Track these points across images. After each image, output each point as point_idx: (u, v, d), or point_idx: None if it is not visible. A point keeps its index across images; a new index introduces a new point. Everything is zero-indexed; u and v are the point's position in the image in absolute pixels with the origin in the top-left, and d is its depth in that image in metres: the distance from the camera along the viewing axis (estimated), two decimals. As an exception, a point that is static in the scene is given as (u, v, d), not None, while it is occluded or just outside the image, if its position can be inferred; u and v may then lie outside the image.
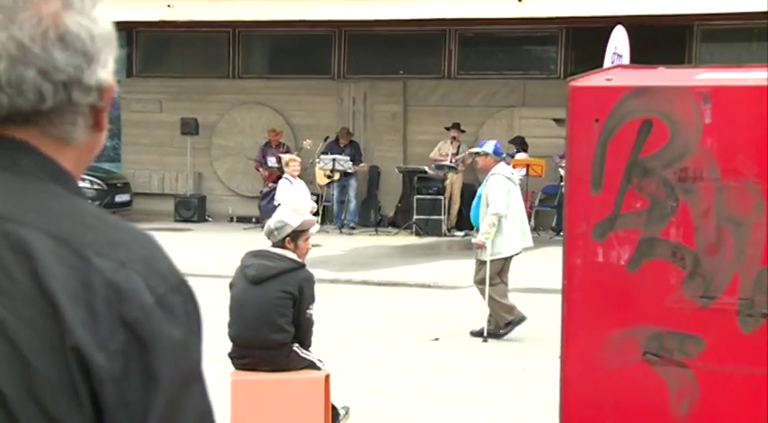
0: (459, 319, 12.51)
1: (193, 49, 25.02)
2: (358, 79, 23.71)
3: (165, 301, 1.50)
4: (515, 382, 9.96)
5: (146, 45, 25.21)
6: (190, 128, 23.26)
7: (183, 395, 1.51)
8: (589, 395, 4.19)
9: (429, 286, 15.45)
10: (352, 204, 22.49)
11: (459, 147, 21.65)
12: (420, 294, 14.99)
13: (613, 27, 11.98)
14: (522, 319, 11.85)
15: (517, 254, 12.06)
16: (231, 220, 23.62)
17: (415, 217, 21.40)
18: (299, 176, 15.44)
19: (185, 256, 14.66)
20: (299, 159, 15.72)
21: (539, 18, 20.65)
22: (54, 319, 1.45)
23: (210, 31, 23.98)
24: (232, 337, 7.48)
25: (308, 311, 7.46)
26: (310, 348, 7.60)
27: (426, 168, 21.68)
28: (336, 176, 21.75)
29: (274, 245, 7.64)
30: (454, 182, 21.94)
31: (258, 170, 23.23)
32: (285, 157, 16.07)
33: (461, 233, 20.81)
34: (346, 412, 8.23)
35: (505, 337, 11.80)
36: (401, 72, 23.37)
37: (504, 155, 21.10)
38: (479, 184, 13.17)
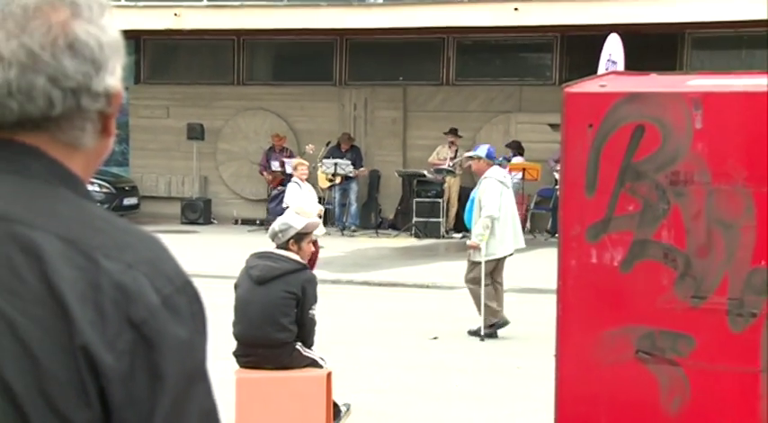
0: (457, 318, 12.50)
1: (199, 56, 25.03)
2: (359, 85, 23.71)
3: (171, 301, 1.50)
4: (512, 379, 9.95)
5: (153, 53, 25.21)
6: (196, 133, 23.27)
7: (189, 393, 1.51)
8: (583, 392, 4.19)
9: (428, 287, 15.44)
10: (354, 207, 22.50)
11: (456, 151, 21.65)
12: (419, 294, 14.99)
13: (607, 35, 11.98)
14: (505, 322, 11.85)
15: (510, 255, 12.05)
16: (236, 222, 23.62)
17: (414, 219, 21.40)
18: (306, 180, 15.41)
19: (191, 257, 14.65)
20: (306, 163, 15.69)
21: (534, 26, 20.67)
22: (63, 319, 1.45)
23: (216, 40, 23.99)
24: (237, 335, 7.48)
25: (310, 311, 7.46)
26: (312, 347, 7.60)
27: (425, 172, 21.68)
28: (338, 180, 21.76)
29: (278, 247, 7.64)
30: (452, 185, 21.94)
31: (262, 174, 23.23)
32: (294, 161, 16.04)
33: (459, 235, 20.80)
34: (347, 409, 8.22)
35: (502, 337, 11.79)
36: (401, 78, 23.37)
37: (501, 159, 21.26)
38: (477, 188, 13.16)
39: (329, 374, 7.67)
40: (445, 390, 9.56)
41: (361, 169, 22.39)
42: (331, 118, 23.67)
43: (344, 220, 22.15)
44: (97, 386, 1.45)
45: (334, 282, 14.98)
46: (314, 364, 7.55)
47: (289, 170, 22.52)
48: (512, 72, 23.31)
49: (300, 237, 7.65)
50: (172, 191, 24.75)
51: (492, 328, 11.80)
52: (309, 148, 21.79)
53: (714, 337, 3.97)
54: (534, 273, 14.94)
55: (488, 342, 11.63)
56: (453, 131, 21.86)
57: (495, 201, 11.71)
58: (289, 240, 7.61)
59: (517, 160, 21.41)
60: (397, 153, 23.55)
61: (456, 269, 15.10)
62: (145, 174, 24.79)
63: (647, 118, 4.00)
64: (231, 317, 7.51)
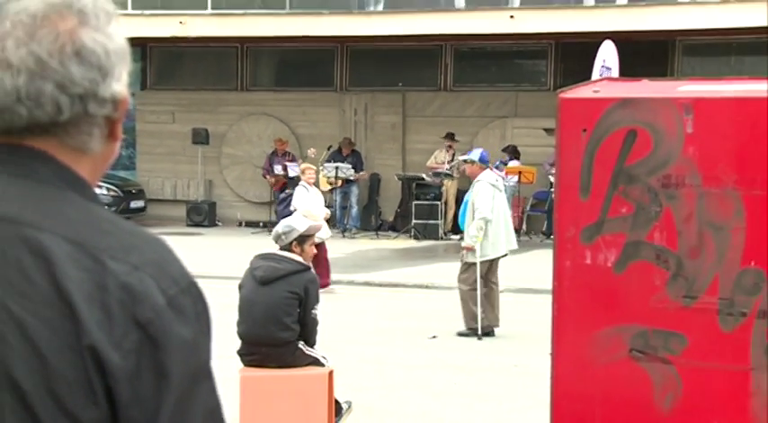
0: (455, 317, 12.48)
1: (204, 63, 25.04)
2: (359, 91, 23.72)
3: (176, 302, 1.50)
4: (509, 377, 9.95)
5: (159, 60, 25.22)
6: (201, 138, 23.28)
7: (193, 391, 1.51)
8: (578, 390, 4.19)
9: (427, 287, 15.44)
10: (354, 210, 22.51)
11: (453, 155, 21.65)
12: (419, 295, 14.99)
13: (600, 42, 11.97)
14: (475, 332, 11.83)
15: (503, 256, 12.03)
16: (240, 224, 23.63)
17: (413, 221, 21.40)
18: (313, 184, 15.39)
19: (196, 259, 14.64)
20: (314, 168, 15.70)
21: (530, 34, 20.68)
22: (71, 319, 1.45)
23: (220, 47, 24.01)
24: (241, 334, 7.48)
25: (313, 311, 7.46)
26: (315, 346, 7.60)
27: (424, 175, 21.69)
28: (339, 183, 21.76)
29: (282, 248, 7.64)
30: (450, 188, 21.94)
31: (265, 177, 23.23)
32: (302, 165, 16.03)
33: (457, 237, 20.76)
34: (349, 406, 8.22)
35: (499, 336, 11.79)
36: (400, 84, 23.38)
37: (498, 163, 21.30)
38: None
39: (331, 372, 7.66)
40: (444, 387, 9.55)
41: (362, 173, 22.40)
42: (332, 123, 23.68)
43: (345, 222, 22.14)
44: (104, 385, 1.45)
45: (335, 282, 14.97)
46: (316, 362, 7.55)
47: (291, 174, 22.61)
48: (508, 78, 23.32)
49: (303, 239, 7.66)
50: (177, 194, 24.76)
51: (471, 331, 11.80)
52: (311, 152, 21.79)
53: (705, 336, 3.96)
54: (530, 273, 14.95)
55: (486, 341, 11.63)
56: (450, 136, 21.87)
57: (488, 203, 11.72)
58: (292, 242, 7.61)
59: (513, 164, 21.43)
60: (397, 157, 23.56)
61: (454, 270, 15.06)
62: (151, 177, 24.80)
63: (639, 123, 4.00)
64: (235, 316, 7.50)
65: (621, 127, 4.03)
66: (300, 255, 7.61)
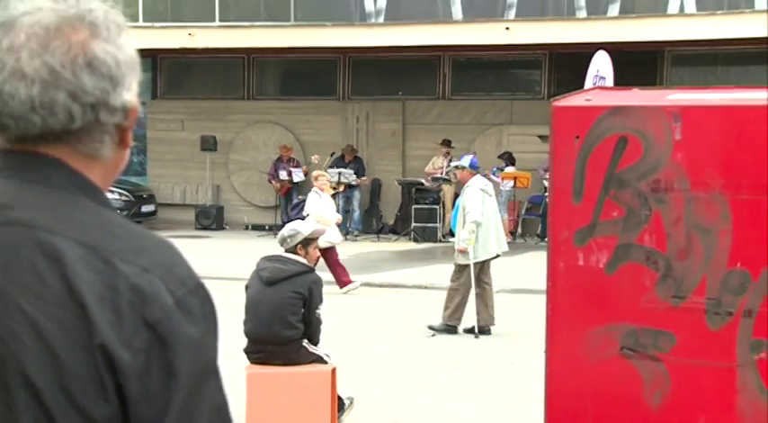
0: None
1: (212, 73, 25.04)
2: (361, 100, 23.72)
3: (184, 302, 1.50)
4: (504, 374, 9.94)
5: (169, 70, 25.23)
6: (209, 144, 23.28)
7: (201, 389, 1.50)
8: (571, 386, 4.18)
9: (426, 287, 15.42)
10: (356, 213, 22.50)
11: (450, 161, 21.64)
12: (418, 295, 14.98)
13: (592, 53, 11.95)
14: (452, 330, 11.85)
15: (494, 258, 12.02)
16: (246, 228, 23.61)
17: (413, 225, 21.40)
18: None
19: (205, 261, 14.66)
20: (326, 175, 15.69)
21: (524, 44, 20.68)
22: (83, 319, 1.45)
23: (228, 57, 24.01)
24: (247, 333, 7.48)
25: (317, 311, 7.46)
26: (318, 344, 7.60)
27: (423, 181, 21.69)
28: (342, 188, 21.75)
29: (287, 251, 7.65)
30: (447, 193, 21.93)
31: (271, 182, 23.24)
32: (314, 172, 16.01)
33: (455, 239, 20.78)
34: (351, 402, 8.21)
35: (495, 334, 11.78)
36: (400, 93, 23.38)
37: (495, 169, 21.30)
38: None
39: (334, 370, 7.66)
40: (442, 384, 9.55)
41: (363, 178, 22.40)
42: (335, 130, 23.68)
43: (348, 225, 22.13)
44: (115, 382, 1.45)
45: (336, 283, 14.96)
46: (319, 360, 7.54)
47: (296, 179, 22.63)
48: (503, 87, 23.32)
49: (307, 242, 7.67)
50: (186, 199, 24.76)
51: (447, 328, 11.82)
52: (315, 158, 21.80)
53: (693, 335, 3.96)
54: (525, 274, 14.94)
55: (482, 339, 11.62)
56: (447, 143, 21.86)
57: (479, 207, 11.73)
58: (297, 245, 7.62)
59: (509, 169, 21.43)
60: (397, 163, 23.56)
61: (452, 271, 15.10)
62: (161, 183, 24.79)
63: (629, 130, 4.00)
64: (242, 316, 7.50)
65: (613, 134, 4.02)
66: (305, 257, 7.62)
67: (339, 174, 21.42)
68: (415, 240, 21.15)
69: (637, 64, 20.45)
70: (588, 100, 4.26)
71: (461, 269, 11.87)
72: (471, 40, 20.62)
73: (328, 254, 14.32)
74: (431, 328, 11.92)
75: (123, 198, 22.15)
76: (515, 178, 21.18)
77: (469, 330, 11.81)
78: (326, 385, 7.55)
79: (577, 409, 4.17)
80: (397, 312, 13.42)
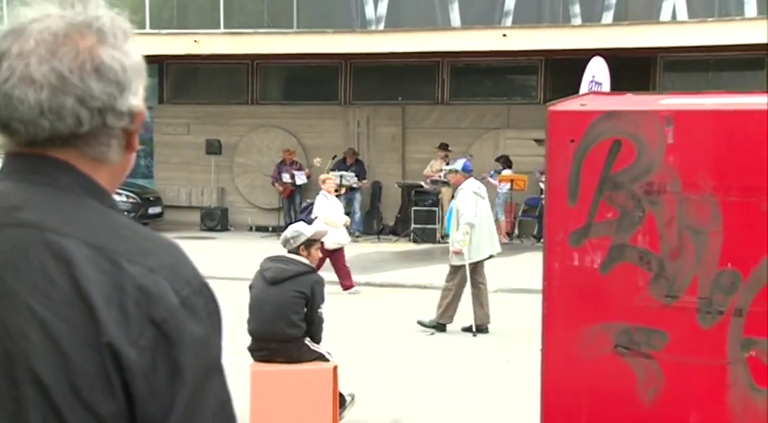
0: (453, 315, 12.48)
1: (217, 78, 25.04)
2: (362, 105, 23.72)
3: (188, 302, 1.50)
4: (502, 371, 9.94)
5: (175, 75, 25.23)
6: (214, 148, 23.28)
7: (205, 386, 1.50)
8: (567, 383, 4.18)
9: (425, 287, 15.41)
10: (357, 215, 22.49)
11: (447, 164, 21.63)
12: (417, 294, 14.97)
13: (587, 59, 11.94)
14: (442, 328, 11.85)
15: (487, 258, 12.01)
16: (250, 229, 23.60)
17: (412, 226, 21.39)
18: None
19: (210, 261, 14.66)
20: (334, 178, 15.68)
21: (521, 51, 20.68)
22: (90, 318, 1.45)
23: (232, 63, 24.01)
24: (251, 331, 7.47)
25: (319, 310, 7.46)
26: (320, 342, 7.59)
27: (422, 183, 21.68)
28: (343, 191, 21.73)
29: (290, 252, 7.65)
30: (446, 195, 21.90)
31: (274, 185, 23.24)
32: (322, 175, 16.00)
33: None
34: (352, 399, 8.21)
35: (492, 332, 11.78)
36: (400, 98, 23.37)
37: (492, 171, 21.29)
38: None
39: (335, 367, 7.66)
40: (441, 380, 9.54)
41: (364, 181, 22.39)
42: (336, 134, 23.68)
43: (349, 227, 22.11)
44: (121, 380, 1.45)
45: (339, 283, 14.95)
46: (321, 357, 7.54)
47: (299, 182, 22.63)
48: (500, 92, 23.32)
49: (310, 243, 7.67)
50: (192, 201, 24.76)
51: (437, 327, 11.82)
52: (317, 161, 21.80)
53: (685, 333, 3.96)
54: (522, 274, 14.94)
55: (480, 337, 11.62)
56: (444, 146, 21.86)
57: (472, 209, 11.75)
58: (299, 246, 7.62)
59: (506, 172, 21.42)
60: (397, 166, 23.55)
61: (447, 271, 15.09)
62: (168, 185, 24.80)
63: (623, 134, 4.00)
64: (246, 315, 7.50)
65: (607, 137, 4.03)
66: (307, 258, 7.62)
67: (341, 176, 21.40)
68: (415, 241, 21.14)
69: (630, 70, 20.44)
70: (583, 105, 4.26)
71: (456, 270, 11.89)
72: (469, 46, 20.62)
73: (336, 256, 14.35)
74: (420, 323, 11.93)
75: (131, 200, 22.14)
76: (512, 181, 21.17)
77: (467, 329, 11.80)
78: (328, 382, 7.54)
79: (572, 405, 4.16)
80: (397, 311, 13.42)
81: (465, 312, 11.97)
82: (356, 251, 19.58)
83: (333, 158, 22.18)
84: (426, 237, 21.16)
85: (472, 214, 11.70)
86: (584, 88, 10.86)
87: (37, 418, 1.44)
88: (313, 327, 7.47)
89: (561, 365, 4.19)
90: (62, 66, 1.51)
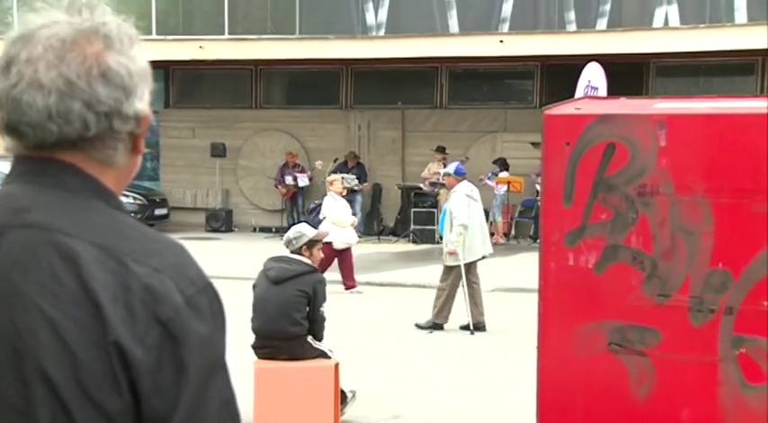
0: (451, 314, 12.47)
1: (221, 83, 25.04)
2: (363, 109, 23.72)
3: (193, 301, 1.50)
4: (499, 368, 9.93)
5: (180, 80, 25.23)
6: (218, 151, 23.28)
7: (209, 383, 1.50)
8: (562, 380, 4.18)
9: (424, 286, 15.39)
10: (358, 216, 22.47)
11: (444, 166, 21.61)
12: (417, 293, 14.96)
13: (581, 64, 11.93)
14: (440, 327, 11.85)
15: (480, 259, 12.01)
16: (254, 230, 23.60)
17: (412, 227, 21.38)
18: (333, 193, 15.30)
19: (215, 261, 14.66)
20: (341, 179, 15.68)
21: (518, 56, 20.68)
22: (97, 317, 1.44)
23: (236, 68, 24.01)
24: (255, 330, 7.47)
25: (321, 309, 7.46)
26: (322, 340, 7.59)
27: (421, 185, 21.68)
28: (344, 193, 21.72)
29: (292, 252, 7.64)
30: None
31: (277, 187, 23.24)
32: (329, 177, 15.99)
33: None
34: (353, 395, 8.21)
35: (489, 330, 11.77)
36: (400, 103, 23.35)
37: (489, 173, 21.27)
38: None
39: (337, 364, 7.65)
40: (440, 377, 9.54)
41: (365, 184, 22.39)
42: (338, 138, 23.68)
43: (357, 227, 22.08)
44: (128, 377, 1.44)
45: (341, 283, 14.94)
46: (323, 355, 7.54)
47: (301, 184, 22.63)
48: (498, 97, 23.31)
49: (312, 244, 7.67)
50: (197, 202, 24.75)
51: (434, 326, 11.82)
52: (319, 164, 21.80)
53: (677, 331, 3.96)
54: (518, 274, 14.93)
55: (478, 335, 11.61)
56: (441, 149, 21.84)
57: (464, 211, 11.75)
58: (301, 246, 7.62)
59: (503, 175, 21.41)
60: (397, 168, 23.55)
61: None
62: (174, 187, 24.79)
63: (617, 137, 4.00)
64: (250, 313, 7.50)
65: (601, 141, 4.02)
66: (309, 258, 7.62)
67: (342, 179, 21.41)
68: (414, 242, 21.13)
69: (624, 75, 20.43)
70: (578, 109, 4.26)
71: (449, 270, 11.91)
72: (467, 52, 20.63)
73: (344, 255, 14.36)
74: (417, 325, 11.92)
75: (137, 202, 22.14)
76: (509, 183, 21.16)
77: (465, 327, 11.80)
78: (330, 379, 7.54)
79: (568, 401, 4.16)
80: (397, 310, 13.41)
81: (462, 312, 11.96)
82: (357, 251, 19.48)
83: (334, 161, 22.18)
84: (425, 237, 21.15)
85: (465, 216, 11.70)
86: (579, 93, 10.85)
87: (46, 416, 1.44)
88: (315, 325, 7.47)
89: (557, 363, 4.19)
90: (69, 71, 1.51)
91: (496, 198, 21.32)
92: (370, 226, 22.93)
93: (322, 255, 7.99)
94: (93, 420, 1.44)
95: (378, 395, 8.78)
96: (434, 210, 21.34)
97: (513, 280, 14.85)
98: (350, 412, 8.08)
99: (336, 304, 10.93)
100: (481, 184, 20.09)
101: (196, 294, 1.51)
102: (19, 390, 1.45)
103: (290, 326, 7.34)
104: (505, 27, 20.87)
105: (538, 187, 19.30)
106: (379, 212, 23.29)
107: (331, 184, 15.03)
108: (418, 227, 21.27)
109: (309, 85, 24.48)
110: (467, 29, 21.02)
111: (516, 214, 22.18)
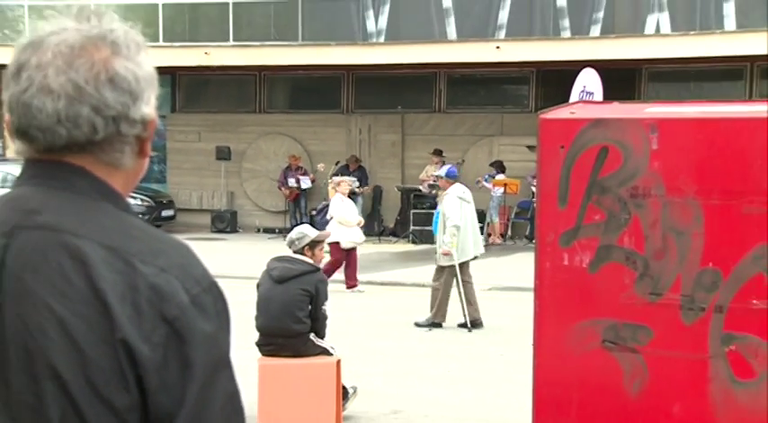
0: (449, 313, 12.46)
1: (226, 88, 25.04)
2: (363, 113, 23.72)
3: (198, 300, 1.50)
4: (496, 365, 9.93)
5: (187, 86, 25.24)
6: (224, 154, 23.29)
7: (214, 379, 1.50)
8: (557, 377, 4.17)
9: (423, 285, 15.36)
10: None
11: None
12: (416, 293, 14.95)
13: (576, 69, 11.92)
14: (438, 325, 11.86)
15: (472, 259, 12.02)
16: (258, 231, 23.60)
17: (411, 228, 21.38)
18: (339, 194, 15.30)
19: (220, 261, 14.66)
20: (348, 181, 15.69)
21: (514, 62, 20.68)
22: (105, 316, 1.45)
23: (240, 74, 24.01)
24: (259, 327, 7.47)
25: (323, 307, 7.45)
26: (324, 338, 7.59)
27: (421, 187, 21.68)
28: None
29: (295, 252, 7.64)
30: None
31: (280, 189, 23.25)
32: (336, 178, 15.99)
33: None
34: (354, 391, 8.20)
35: (487, 328, 11.76)
36: (399, 107, 23.37)
37: (487, 176, 21.27)
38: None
39: (339, 361, 7.65)
40: (439, 374, 9.54)
41: (366, 187, 22.39)
42: (339, 141, 23.69)
43: (363, 226, 22.06)
44: (135, 374, 1.44)
45: (342, 282, 14.94)
46: (325, 352, 7.54)
47: (303, 186, 22.63)
48: (494, 101, 23.32)
49: (314, 244, 7.67)
50: (203, 204, 24.76)
51: (433, 325, 11.83)
52: (321, 166, 21.81)
53: (669, 329, 3.95)
54: (514, 273, 14.93)
55: (475, 333, 11.61)
56: (438, 152, 21.83)
57: (457, 212, 11.77)
58: (304, 247, 7.62)
59: (500, 177, 21.41)
60: (397, 171, 23.55)
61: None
62: (180, 189, 24.80)
63: (610, 140, 4.00)
64: (254, 312, 7.49)
65: (595, 144, 4.02)
66: (311, 258, 7.62)
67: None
68: (414, 242, 21.13)
69: (617, 80, 20.41)
70: (572, 113, 4.26)
71: (442, 269, 11.96)
72: (464, 58, 20.64)
73: (349, 256, 14.37)
74: (417, 324, 11.91)
75: (145, 203, 22.16)
76: (505, 185, 21.17)
77: (463, 325, 11.80)
78: (332, 375, 7.54)
79: (563, 397, 4.16)
80: (397, 309, 13.41)
81: (459, 311, 11.96)
82: (358, 252, 19.51)
83: (336, 164, 22.18)
84: (425, 238, 21.11)
85: (458, 217, 11.71)
86: (574, 97, 10.84)
87: (56, 412, 1.44)
88: (317, 323, 7.47)
89: (552, 360, 4.19)
90: (78, 76, 1.51)
91: (493, 200, 21.32)
92: (371, 227, 22.89)
93: (324, 255, 7.98)
94: (102, 416, 1.44)
95: (378, 391, 8.77)
96: (433, 211, 21.32)
97: (510, 279, 14.85)
98: (351, 408, 8.07)
99: (338, 303, 10.92)
100: (478, 187, 20.11)
101: (201, 293, 1.51)
102: (30, 386, 1.45)
103: (293, 324, 7.34)
104: (502, 34, 20.88)
105: (533, 189, 19.31)
106: (379, 214, 23.30)
107: (338, 185, 15.03)
108: (418, 228, 21.26)
109: (311, 90, 24.48)
110: (464, 36, 21.03)
111: (513, 215, 22.18)
